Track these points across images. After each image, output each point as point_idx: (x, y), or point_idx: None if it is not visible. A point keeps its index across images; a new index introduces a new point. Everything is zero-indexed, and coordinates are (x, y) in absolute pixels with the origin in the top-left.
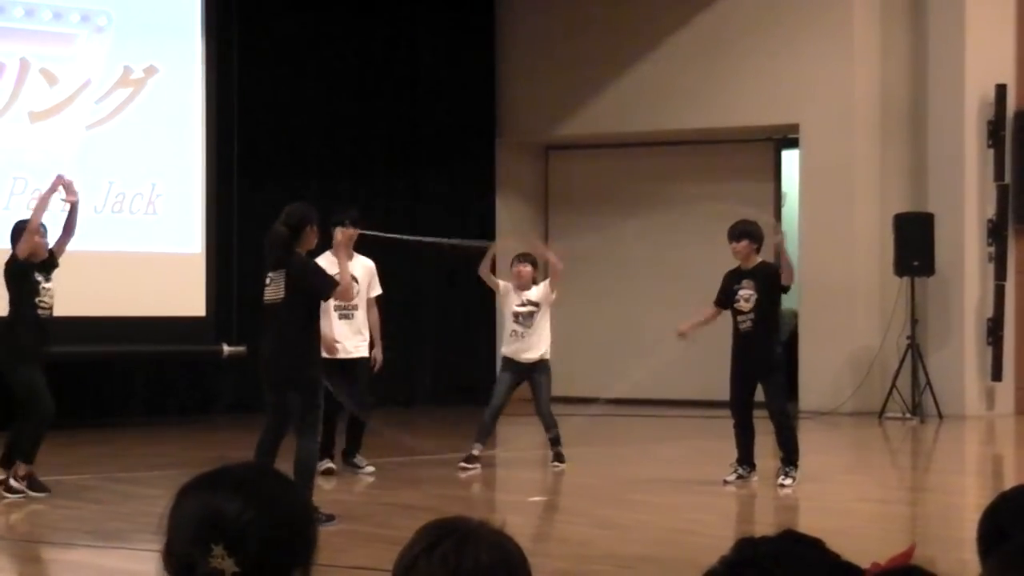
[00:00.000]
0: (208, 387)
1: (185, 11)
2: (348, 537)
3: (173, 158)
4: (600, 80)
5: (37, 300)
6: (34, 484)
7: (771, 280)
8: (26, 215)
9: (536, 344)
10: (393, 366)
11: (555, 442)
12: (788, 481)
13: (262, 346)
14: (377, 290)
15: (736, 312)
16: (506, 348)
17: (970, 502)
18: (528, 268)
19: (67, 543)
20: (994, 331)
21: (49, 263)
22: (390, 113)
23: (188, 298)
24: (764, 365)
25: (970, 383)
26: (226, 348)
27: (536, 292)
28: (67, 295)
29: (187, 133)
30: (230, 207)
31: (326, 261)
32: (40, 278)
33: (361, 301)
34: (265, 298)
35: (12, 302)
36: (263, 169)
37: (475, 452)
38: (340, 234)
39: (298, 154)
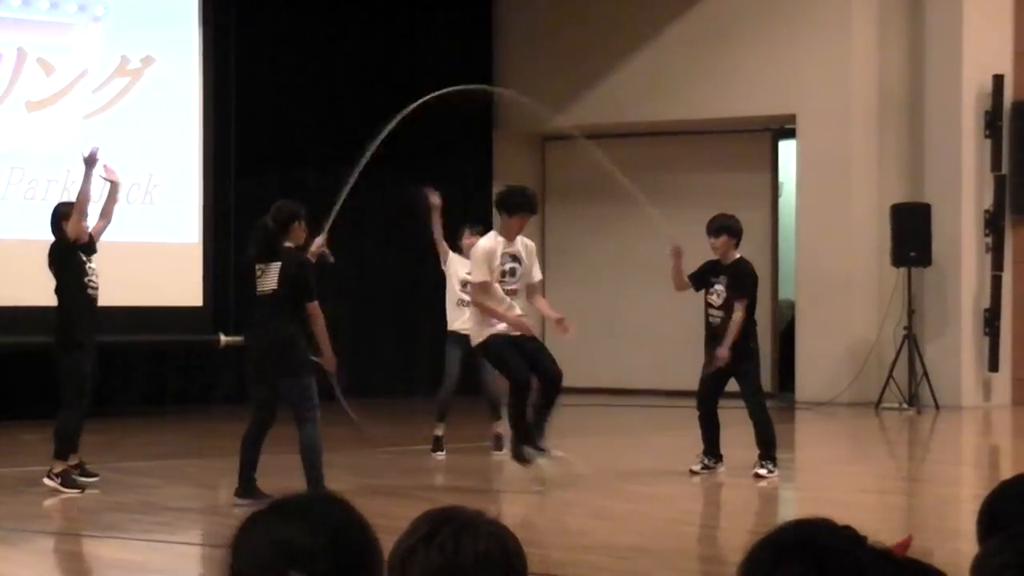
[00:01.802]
0: (205, 377)
1: (182, 1)
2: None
3: (170, 148)
4: (597, 71)
5: (86, 280)
6: (67, 480)
7: (741, 278)
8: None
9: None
10: (394, 358)
11: (495, 416)
12: (763, 472)
13: (252, 337)
14: (538, 275)
15: (707, 304)
16: (452, 322)
17: (966, 493)
18: (478, 239)
19: (64, 532)
20: (991, 322)
21: (90, 246)
22: (387, 103)
23: (185, 288)
24: (737, 359)
25: (967, 374)
26: (223, 338)
27: None
28: None
29: (184, 123)
30: (227, 197)
31: (491, 241)
32: (85, 258)
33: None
34: (258, 289)
35: (62, 285)
36: (260, 159)
37: (438, 433)
38: (518, 223)
39: (295, 144)
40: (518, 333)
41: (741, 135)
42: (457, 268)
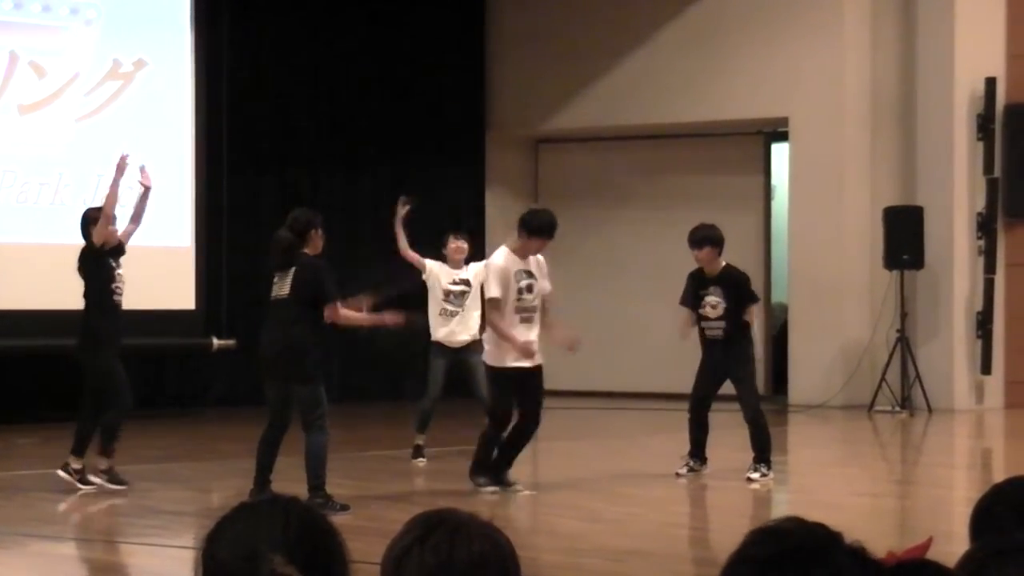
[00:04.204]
0: (198, 380)
1: (174, 4)
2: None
3: (162, 151)
4: (590, 73)
5: (113, 286)
6: (114, 477)
7: (739, 286)
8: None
9: (467, 326)
10: (388, 360)
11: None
12: (756, 475)
13: (263, 340)
14: (547, 287)
15: (702, 317)
16: (436, 332)
17: (959, 495)
18: (464, 244)
19: (58, 536)
20: (983, 325)
21: (118, 249)
22: (380, 107)
23: (178, 291)
24: (734, 363)
25: (959, 377)
26: (216, 341)
27: (470, 271)
28: (58, 288)
29: (176, 127)
30: (219, 201)
31: (505, 260)
32: (113, 263)
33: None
34: (272, 295)
35: (89, 290)
36: (253, 163)
37: (419, 442)
38: (536, 245)
39: (288, 147)
40: (528, 365)
41: (734, 138)
42: (439, 277)
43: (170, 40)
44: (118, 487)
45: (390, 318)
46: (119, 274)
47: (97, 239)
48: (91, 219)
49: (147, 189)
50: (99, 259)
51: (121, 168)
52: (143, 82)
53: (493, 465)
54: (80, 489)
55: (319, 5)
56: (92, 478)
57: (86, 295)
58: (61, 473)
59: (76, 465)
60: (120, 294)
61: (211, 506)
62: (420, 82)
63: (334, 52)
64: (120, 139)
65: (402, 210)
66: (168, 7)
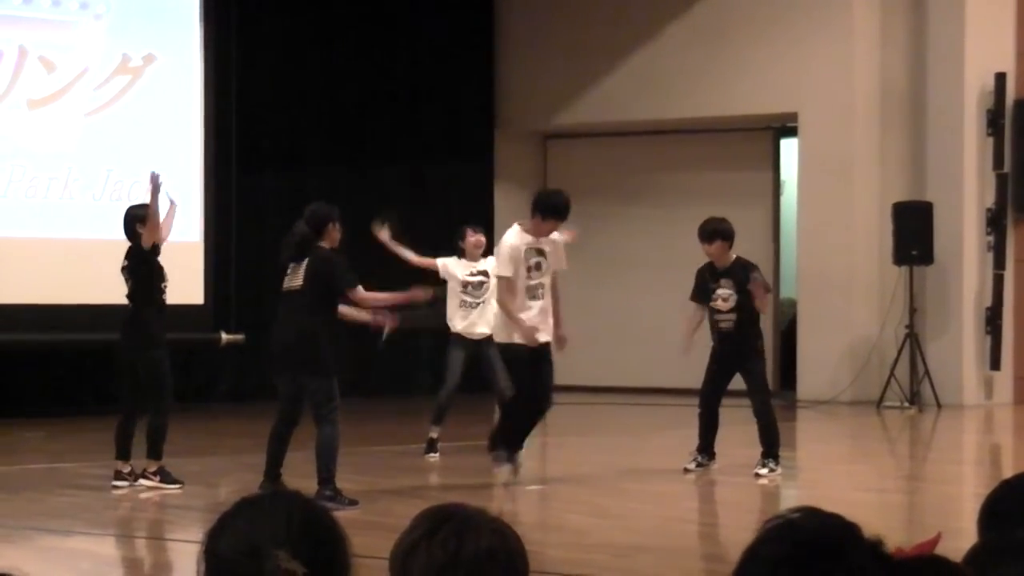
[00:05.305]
0: (206, 375)
1: None
2: (346, 524)
3: (172, 146)
4: (599, 69)
5: (162, 284)
6: (165, 477)
7: (752, 275)
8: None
9: (486, 318)
10: (393, 357)
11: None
12: (764, 471)
13: (274, 332)
14: (562, 265)
15: (714, 311)
16: (454, 324)
17: (968, 491)
18: (483, 238)
19: (65, 531)
20: (992, 320)
21: (156, 249)
22: (389, 102)
23: (186, 286)
24: (744, 357)
25: (968, 372)
26: (224, 336)
27: (488, 263)
28: (66, 283)
29: (186, 121)
30: (228, 195)
31: (516, 238)
32: (159, 262)
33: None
34: (284, 286)
35: (138, 289)
36: (262, 158)
37: (433, 436)
38: (549, 227)
39: (297, 143)
40: (535, 344)
41: (743, 133)
42: (455, 270)
43: (179, 35)
44: (173, 487)
45: (420, 293)
46: (164, 272)
47: (146, 243)
48: (136, 217)
49: (172, 204)
50: (148, 259)
51: (155, 186)
52: (152, 77)
53: (508, 440)
54: (140, 487)
55: (328, 1)
56: (145, 482)
57: (133, 295)
58: (117, 483)
59: (125, 469)
60: (165, 292)
61: (218, 501)
62: (429, 79)
63: (343, 48)
64: (129, 134)
65: (382, 232)
66: (177, 2)
